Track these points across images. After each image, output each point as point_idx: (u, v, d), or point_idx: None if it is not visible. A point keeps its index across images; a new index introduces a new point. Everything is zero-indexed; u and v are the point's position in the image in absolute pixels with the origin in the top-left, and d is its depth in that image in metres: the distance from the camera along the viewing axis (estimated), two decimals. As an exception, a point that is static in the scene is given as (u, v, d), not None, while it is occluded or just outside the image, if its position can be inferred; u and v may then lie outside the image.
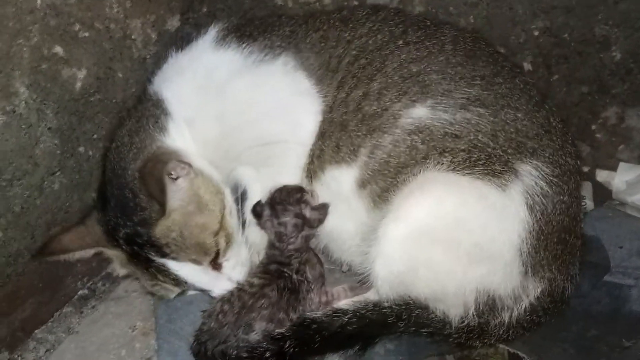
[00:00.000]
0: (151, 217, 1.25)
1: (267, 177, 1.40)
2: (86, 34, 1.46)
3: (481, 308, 1.22)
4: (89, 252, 1.34)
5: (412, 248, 1.20)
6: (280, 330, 1.26)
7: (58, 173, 1.46)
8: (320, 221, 1.35)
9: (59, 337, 1.52)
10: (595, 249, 1.49)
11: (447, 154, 1.21)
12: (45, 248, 1.32)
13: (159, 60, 1.55)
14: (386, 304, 1.28)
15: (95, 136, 1.55)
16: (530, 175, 1.19)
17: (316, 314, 1.30)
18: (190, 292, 1.40)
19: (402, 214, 1.21)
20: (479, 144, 1.21)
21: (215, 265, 1.33)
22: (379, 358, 1.32)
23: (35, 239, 1.44)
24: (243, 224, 1.43)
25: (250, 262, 1.42)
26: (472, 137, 1.21)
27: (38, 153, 1.40)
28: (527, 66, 1.66)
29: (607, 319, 1.37)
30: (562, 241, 1.24)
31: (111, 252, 1.35)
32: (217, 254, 1.31)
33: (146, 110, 1.41)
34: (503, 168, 1.19)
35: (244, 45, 1.38)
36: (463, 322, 1.25)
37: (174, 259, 1.28)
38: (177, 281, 1.31)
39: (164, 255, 1.27)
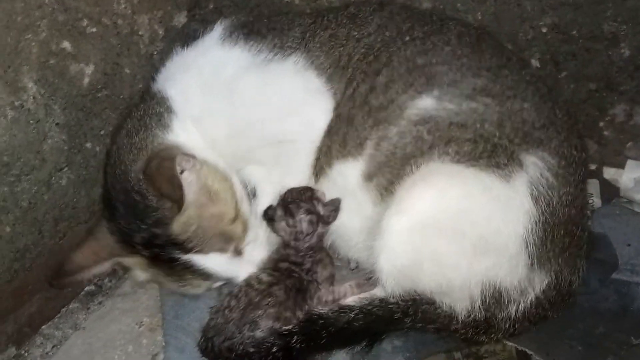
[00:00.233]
0: (165, 216, 1.24)
1: (277, 175, 1.40)
2: (94, 30, 1.46)
3: (487, 301, 1.22)
4: (105, 266, 1.34)
5: (416, 241, 1.20)
6: (287, 327, 1.26)
7: (65, 169, 1.46)
8: (334, 217, 1.35)
9: (65, 333, 1.52)
10: (603, 246, 1.49)
11: (452, 144, 1.20)
12: (60, 272, 1.30)
13: (163, 57, 1.55)
14: (392, 300, 1.27)
15: (102, 132, 1.55)
16: (535, 166, 1.18)
17: (323, 310, 1.30)
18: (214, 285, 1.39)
19: (405, 206, 1.20)
20: (485, 134, 1.20)
21: (237, 251, 1.32)
22: (386, 355, 1.32)
23: (42, 234, 1.45)
24: None
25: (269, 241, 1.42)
26: (478, 127, 1.21)
27: (46, 148, 1.40)
28: (535, 63, 1.66)
29: (614, 317, 1.37)
30: (569, 233, 1.23)
31: (129, 261, 1.34)
32: (238, 239, 1.31)
33: (149, 108, 1.39)
34: (508, 159, 1.18)
35: (252, 42, 1.37)
36: (469, 316, 1.24)
37: (198, 252, 1.27)
38: (205, 275, 1.30)
39: (188, 250, 1.26)
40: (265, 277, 1.32)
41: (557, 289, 1.25)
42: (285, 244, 1.37)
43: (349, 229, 1.37)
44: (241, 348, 1.24)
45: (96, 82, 1.50)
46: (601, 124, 1.70)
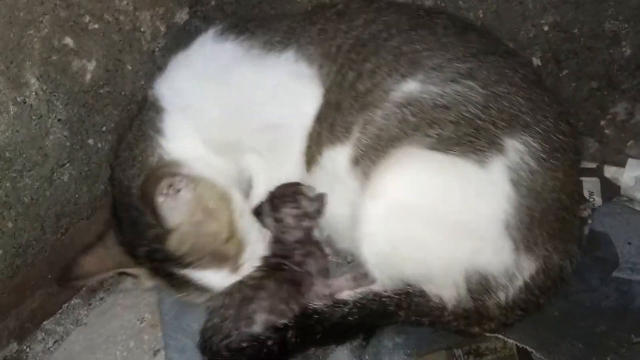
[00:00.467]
0: (162, 232, 1.25)
1: (271, 162, 1.41)
2: (96, 26, 1.46)
3: (474, 287, 1.21)
4: (109, 274, 1.36)
5: (392, 225, 1.20)
6: (282, 321, 1.26)
7: (67, 165, 1.47)
8: (319, 211, 1.36)
9: (67, 329, 1.53)
10: (604, 244, 1.48)
11: (435, 126, 1.21)
12: (68, 274, 1.31)
13: (159, 65, 1.56)
14: (386, 294, 1.28)
15: (104, 128, 1.55)
16: (517, 151, 1.18)
17: (317, 304, 1.30)
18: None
19: (378, 191, 1.21)
20: (469, 116, 1.20)
21: (235, 268, 1.33)
22: (387, 351, 1.31)
23: (44, 230, 1.45)
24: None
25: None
26: (462, 109, 1.21)
27: (48, 144, 1.40)
28: (536, 61, 1.66)
29: (615, 315, 1.37)
30: (560, 219, 1.23)
31: (135, 271, 1.36)
32: (232, 258, 1.32)
33: (145, 115, 1.40)
34: (488, 143, 1.18)
35: (243, 38, 1.39)
36: (459, 305, 1.24)
37: (194, 269, 1.28)
38: (203, 289, 1.31)
39: (185, 266, 1.28)
40: (256, 273, 1.33)
41: (546, 275, 1.24)
42: (274, 239, 1.38)
43: (341, 219, 1.36)
44: (239, 344, 1.24)
45: (98, 78, 1.50)
46: (602, 122, 1.70)
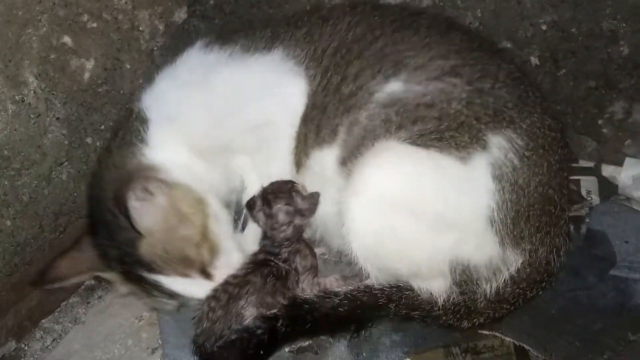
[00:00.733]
0: (134, 236, 1.25)
1: (261, 162, 1.42)
2: (94, 25, 1.46)
3: (459, 279, 1.23)
4: (85, 277, 1.35)
5: (375, 219, 1.21)
6: (272, 311, 1.26)
7: (66, 163, 1.47)
8: (312, 210, 1.36)
9: (65, 327, 1.53)
10: (602, 243, 1.49)
11: (419, 123, 1.22)
12: (43, 276, 1.31)
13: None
14: (377, 287, 1.29)
15: (102, 127, 1.56)
16: (500, 146, 1.19)
17: (308, 295, 1.31)
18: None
19: (359, 186, 1.22)
20: (452, 112, 1.21)
21: (206, 275, 1.32)
22: (384, 349, 1.32)
23: (42, 228, 1.45)
24: (244, 224, 1.43)
25: None
26: (444, 106, 1.22)
27: (46, 143, 1.40)
28: (534, 60, 1.66)
29: (612, 313, 1.37)
30: (546, 213, 1.23)
31: (108, 275, 1.35)
32: (203, 265, 1.31)
33: (129, 124, 1.41)
34: (471, 139, 1.19)
35: (227, 47, 1.41)
36: (448, 299, 1.25)
37: (163, 274, 1.28)
38: (173, 295, 1.30)
39: (154, 271, 1.27)
40: (240, 272, 1.32)
41: (533, 268, 1.25)
42: (263, 234, 1.39)
43: (331, 218, 1.37)
44: (229, 338, 1.24)
45: (96, 77, 1.51)
46: (600, 121, 1.70)
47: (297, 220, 1.36)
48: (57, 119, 1.42)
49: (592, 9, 1.55)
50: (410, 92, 1.24)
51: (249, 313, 1.26)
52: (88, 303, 1.58)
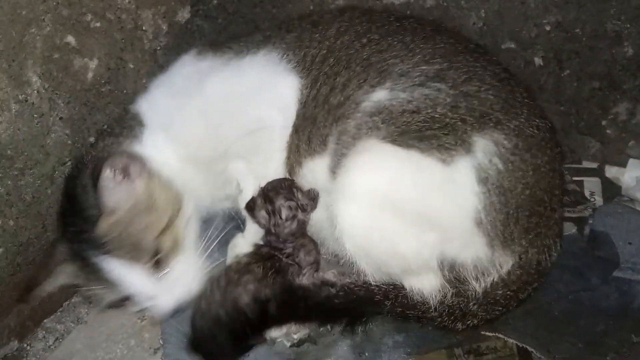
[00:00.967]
0: (97, 214, 1.25)
1: (257, 166, 1.43)
2: (98, 24, 1.46)
3: (448, 276, 1.24)
4: (55, 282, 1.33)
5: (362, 218, 1.23)
6: (266, 291, 1.28)
7: (69, 163, 1.47)
8: (313, 205, 1.38)
9: (68, 327, 1.53)
10: (605, 244, 1.49)
11: (403, 127, 1.23)
12: (26, 292, 1.32)
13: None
14: (374, 283, 1.30)
15: (105, 127, 1.55)
16: (487, 149, 1.19)
17: (304, 282, 1.33)
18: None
19: (344, 187, 1.24)
20: (437, 116, 1.22)
21: (157, 266, 1.30)
22: (387, 349, 1.32)
23: (45, 228, 1.45)
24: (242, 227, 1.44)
25: (200, 282, 1.35)
26: (430, 111, 1.23)
27: (49, 142, 1.40)
28: (538, 61, 1.66)
29: (616, 315, 1.37)
30: (536, 214, 1.23)
31: (70, 270, 1.33)
32: (157, 257, 1.29)
33: (123, 121, 1.44)
34: (455, 141, 1.19)
35: (220, 53, 1.43)
36: (443, 301, 1.26)
37: (110, 256, 1.26)
38: (109, 284, 1.28)
39: (102, 252, 1.25)
40: (244, 259, 1.34)
41: (523, 270, 1.26)
42: (266, 232, 1.40)
43: (325, 224, 1.38)
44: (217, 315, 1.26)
45: (100, 76, 1.50)
46: (604, 122, 1.70)
47: (300, 215, 1.37)
48: (61, 118, 1.42)
49: (596, 10, 1.55)
50: (395, 99, 1.26)
51: (244, 301, 1.27)
52: (90, 303, 1.57)
